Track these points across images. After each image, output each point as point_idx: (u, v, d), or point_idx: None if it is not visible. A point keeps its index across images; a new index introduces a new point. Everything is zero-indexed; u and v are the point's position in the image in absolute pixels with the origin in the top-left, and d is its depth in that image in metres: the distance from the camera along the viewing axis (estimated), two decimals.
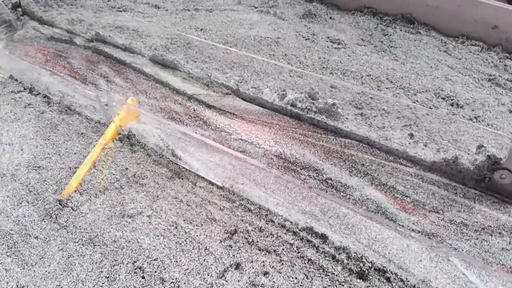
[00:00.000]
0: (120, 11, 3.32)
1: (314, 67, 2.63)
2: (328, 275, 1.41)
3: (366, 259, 1.43)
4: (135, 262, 1.44)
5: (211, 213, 1.62)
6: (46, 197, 1.69)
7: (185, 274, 1.41)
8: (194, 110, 2.25)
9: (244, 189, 1.71)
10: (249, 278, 1.39)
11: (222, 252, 1.48)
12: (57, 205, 1.64)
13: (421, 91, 2.42)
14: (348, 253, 1.46)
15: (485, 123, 2.17)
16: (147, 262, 1.44)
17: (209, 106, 2.27)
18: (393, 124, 2.10)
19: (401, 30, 3.10)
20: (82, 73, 2.55)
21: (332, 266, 1.43)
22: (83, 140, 2.00)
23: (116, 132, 1.97)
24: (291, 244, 1.51)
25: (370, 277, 1.40)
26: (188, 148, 1.93)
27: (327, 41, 2.95)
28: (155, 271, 1.41)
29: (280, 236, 1.53)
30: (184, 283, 1.38)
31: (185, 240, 1.52)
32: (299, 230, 1.55)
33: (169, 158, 1.86)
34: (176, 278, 1.39)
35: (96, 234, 1.54)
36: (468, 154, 1.90)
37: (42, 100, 2.28)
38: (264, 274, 1.41)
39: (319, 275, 1.41)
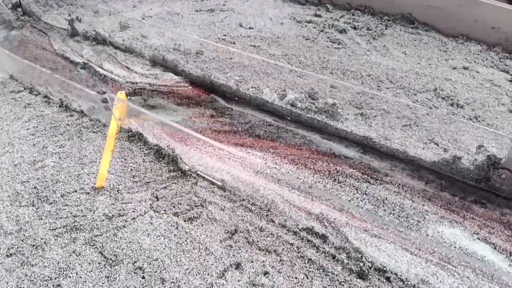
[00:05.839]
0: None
1: (314, 67, 2.63)
2: (328, 275, 1.41)
3: (366, 259, 1.43)
4: (135, 262, 1.44)
5: (211, 213, 1.62)
6: (46, 196, 1.69)
7: (185, 274, 1.41)
8: None
9: None
10: (249, 278, 1.39)
11: (222, 252, 1.48)
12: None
13: (421, 91, 2.42)
14: (348, 253, 1.46)
15: (485, 123, 2.17)
16: (147, 262, 1.44)
17: None
18: (393, 124, 2.10)
19: (401, 30, 3.10)
20: None
21: (332, 266, 1.43)
22: (83, 139, 2.00)
23: (118, 126, 2.05)
24: (291, 244, 1.51)
25: (370, 277, 1.40)
26: (189, 147, 1.93)
27: (327, 41, 2.95)
28: (155, 271, 1.41)
29: (280, 236, 1.53)
30: (184, 283, 1.38)
31: (186, 240, 1.52)
32: (299, 230, 1.55)
33: (169, 158, 1.86)
34: (176, 278, 1.39)
35: (96, 234, 1.54)
36: (468, 154, 1.90)
37: (42, 100, 2.28)
38: (264, 274, 1.41)
39: (319, 275, 1.41)
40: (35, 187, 1.74)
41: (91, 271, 1.42)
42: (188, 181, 1.77)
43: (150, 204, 1.66)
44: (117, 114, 2.05)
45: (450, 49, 2.87)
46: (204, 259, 1.46)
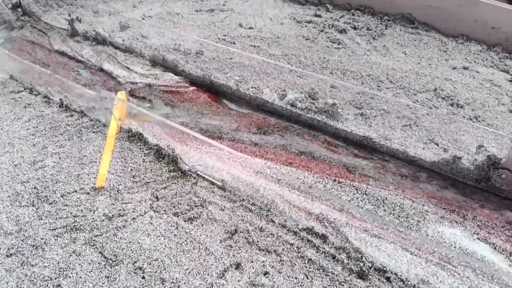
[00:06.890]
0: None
1: (314, 67, 2.63)
2: (328, 275, 1.41)
3: (366, 259, 1.43)
4: (135, 262, 1.44)
5: (211, 213, 1.62)
6: (46, 197, 1.69)
7: (185, 274, 1.41)
8: None
9: None
10: (249, 278, 1.39)
11: (222, 252, 1.48)
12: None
13: (421, 91, 2.42)
14: (348, 253, 1.46)
15: (485, 123, 2.17)
16: (148, 262, 1.44)
17: None
18: (393, 124, 2.10)
19: (401, 30, 3.10)
20: None
21: (332, 266, 1.43)
22: (83, 139, 2.00)
23: (118, 125, 2.05)
24: (291, 244, 1.51)
25: (370, 277, 1.40)
26: (189, 147, 1.93)
27: (327, 41, 2.95)
28: (155, 271, 1.41)
29: (280, 236, 1.53)
30: (184, 283, 1.38)
31: (186, 240, 1.52)
32: (299, 230, 1.55)
33: (169, 158, 1.86)
34: (176, 278, 1.39)
35: (96, 234, 1.54)
36: (468, 154, 1.90)
37: (42, 100, 2.28)
38: (264, 274, 1.41)
39: (319, 275, 1.41)
40: (35, 187, 1.74)
41: (91, 271, 1.42)
42: (188, 181, 1.77)
43: (150, 204, 1.66)
44: (117, 114, 2.05)
45: (450, 49, 2.88)
46: (204, 259, 1.46)
